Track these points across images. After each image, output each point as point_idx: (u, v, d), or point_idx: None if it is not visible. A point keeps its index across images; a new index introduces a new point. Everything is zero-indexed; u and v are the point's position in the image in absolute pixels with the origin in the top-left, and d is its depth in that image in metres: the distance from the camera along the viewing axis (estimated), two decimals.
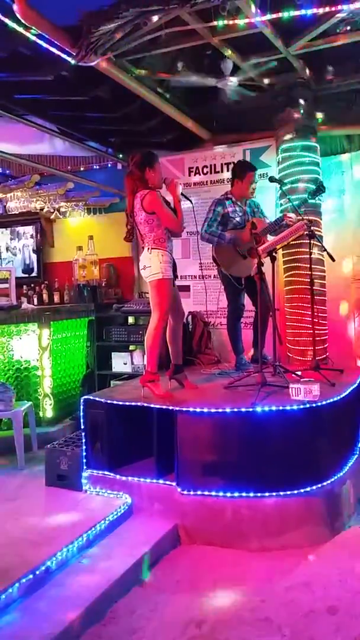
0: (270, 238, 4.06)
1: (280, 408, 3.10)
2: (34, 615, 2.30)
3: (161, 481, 3.24)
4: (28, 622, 2.26)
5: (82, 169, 6.55)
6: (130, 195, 3.65)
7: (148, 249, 3.59)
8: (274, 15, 3.28)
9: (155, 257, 3.55)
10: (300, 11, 3.22)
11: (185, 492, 3.13)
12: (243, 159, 5.05)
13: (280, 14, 3.25)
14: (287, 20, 3.31)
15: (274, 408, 3.10)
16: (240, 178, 4.32)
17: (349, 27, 3.65)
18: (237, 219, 4.32)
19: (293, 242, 4.05)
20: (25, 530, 2.92)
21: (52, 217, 6.48)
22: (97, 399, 3.56)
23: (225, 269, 4.30)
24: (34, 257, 6.84)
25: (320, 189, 4.06)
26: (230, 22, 3.34)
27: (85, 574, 2.63)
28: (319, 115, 4.83)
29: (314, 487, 3.08)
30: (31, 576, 2.48)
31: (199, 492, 3.11)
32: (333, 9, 3.24)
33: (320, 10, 3.25)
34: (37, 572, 2.52)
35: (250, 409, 3.10)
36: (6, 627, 2.24)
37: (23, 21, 3.09)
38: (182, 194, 3.72)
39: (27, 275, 6.80)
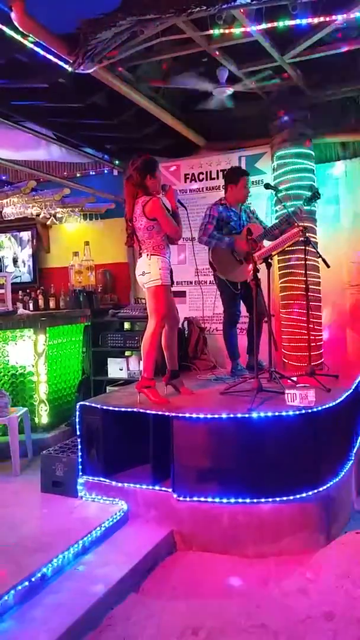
0: (266, 244, 4.08)
1: (276, 414, 3.11)
2: (30, 622, 2.30)
3: (157, 487, 3.24)
4: (24, 630, 2.25)
5: (78, 175, 6.57)
6: (129, 199, 3.64)
7: (147, 255, 3.59)
8: (270, 25, 3.31)
9: (154, 263, 3.56)
10: (295, 21, 3.25)
11: (181, 498, 3.13)
12: (238, 165, 5.09)
13: (275, 24, 3.29)
14: (282, 29, 3.34)
15: (269, 414, 3.10)
16: (234, 183, 4.35)
17: (343, 36, 3.69)
18: (232, 223, 4.35)
19: (288, 249, 4.08)
20: (21, 537, 2.91)
21: (48, 222, 6.47)
22: (92, 404, 3.56)
23: (222, 273, 4.32)
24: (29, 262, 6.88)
25: (315, 195, 4.11)
26: (226, 31, 3.38)
27: (81, 581, 2.62)
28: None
29: (310, 493, 3.08)
30: (27, 583, 2.47)
31: (195, 498, 3.11)
32: (328, 18, 3.28)
33: (315, 20, 3.29)
34: (33, 579, 2.51)
35: (246, 415, 3.10)
36: (1, 635, 2.23)
37: (20, 29, 3.11)
38: (178, 200, 3.74)
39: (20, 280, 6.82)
